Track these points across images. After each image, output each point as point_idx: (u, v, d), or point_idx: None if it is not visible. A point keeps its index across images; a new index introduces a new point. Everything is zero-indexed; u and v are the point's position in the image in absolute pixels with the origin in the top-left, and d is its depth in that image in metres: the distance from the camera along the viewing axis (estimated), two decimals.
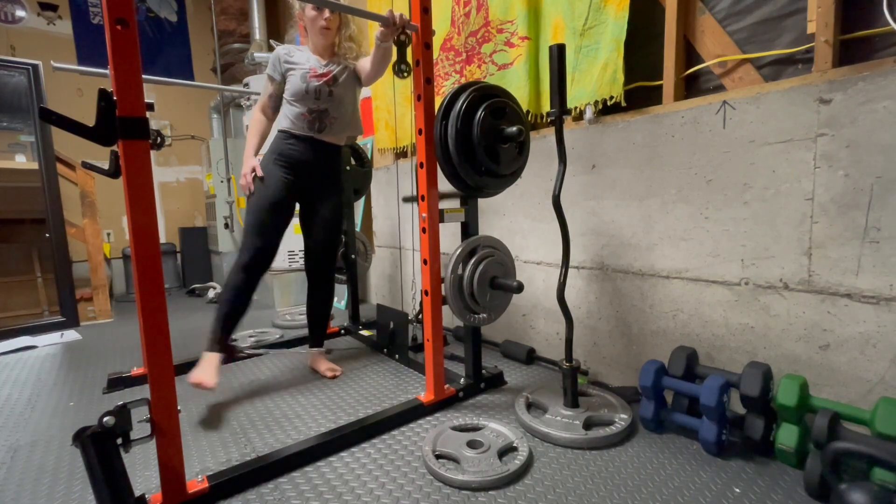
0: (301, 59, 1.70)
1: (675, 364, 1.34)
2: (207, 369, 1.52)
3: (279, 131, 1.74)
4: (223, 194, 3.73)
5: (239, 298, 1.66)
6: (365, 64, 1.68)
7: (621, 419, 1.34)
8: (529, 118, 1.83)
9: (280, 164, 1.70)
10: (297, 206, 1.86)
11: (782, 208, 1.21)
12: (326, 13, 1.64)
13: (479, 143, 1.36)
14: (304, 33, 1.75)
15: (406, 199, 1.94)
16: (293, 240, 3.29)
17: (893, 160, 1.04)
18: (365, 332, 2.35)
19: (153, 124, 2.11)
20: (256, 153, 1.76)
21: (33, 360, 2.24)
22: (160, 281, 0.98)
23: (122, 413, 0.94)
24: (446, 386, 1.56)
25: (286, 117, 1.72)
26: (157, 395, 0.99)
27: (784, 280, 1.22)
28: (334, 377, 1.83)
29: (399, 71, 1.45)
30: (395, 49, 1.45)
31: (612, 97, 1.53)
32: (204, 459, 1.27)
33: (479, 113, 1.35)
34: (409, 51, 1.45)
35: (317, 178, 1.76)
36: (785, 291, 1.22)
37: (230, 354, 1.64)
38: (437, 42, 2.23)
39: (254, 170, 1.69)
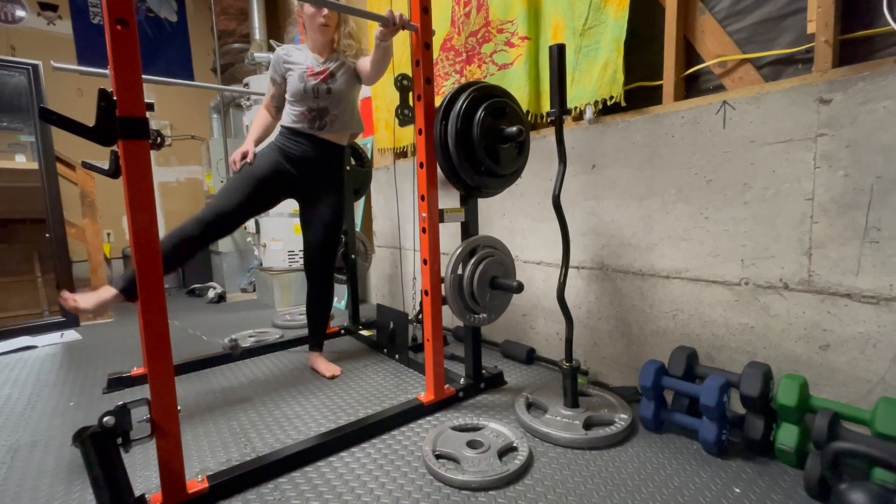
0: (299, 58, 1.71)
1: (675, 364, 1.34)
2: (93, 295, 1.39)
3: (282, 127, 1.77)
4: None
5: (177, 252, 1.52)
6: (365, 63, 1.68)
7: (621, 419, 1.34)
8: (529, 118, 1.83)
9: (280, 153, 1.72)
10: (298, 205, 1.87)
11: (782, 208, 1.21)
12: (325, 10, 1.64)
13: (479, 143, 1.36)
14: (304, 31, 1.76)
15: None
16: (293, 240, 3.30)
17: (893, 160, 1.04)
18: (365, 332, 2.35)
19: (153, 124, 2.11)
20: (256, 144, 1.78)
21: (33, 360, 2.24)
22: (160, 281, 0.98)
23: (122, 413, 0.94)
24: (446, 386, 1.56)
25: (288, 115, 1.74)
26: (157, 395, 0.99)
27: (784, 280, 1.22)
28: (334, 377, 1.83)
29: (403, 116, 1.46)
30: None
31: (612, 97, 1.53)
32: (204, 459, 1.27)
33: (479, 113, 1.35)
34: (410, 95, 1.45)
35: (317, 176, 1.77)
36: (785, 291, 1.22)
37: (129, 300, 1.43)
38: (437, 42, 2.23)
39: (245, 154, 1.71)
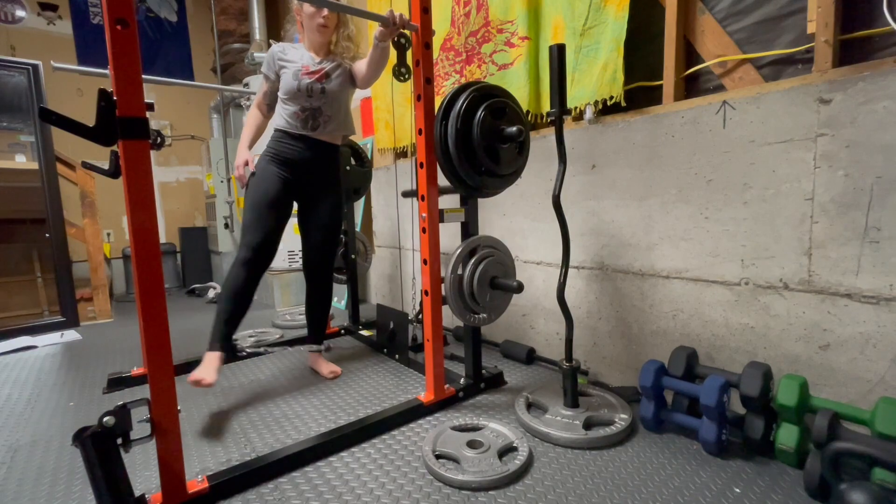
0: (295, 56, 1.69)
1: (675, 364, 1.34)
2: (207, 367, 1.52)
3: (275, 130, 1.74)
4: (223, 194, 3.73)
5: (239, 296, 1.64)
6: (361, 66, 1.68)
7: (621, 419, 1.34)
8: (529, 118, 1.83)
9: (276, 162, 1.71)
10: (296, 205, 1.86)
11: (782, 208, 1.21)
12: (325, 11, 1.63)
13: (479, 143, 1.36)
14: (302, 29, 1.75)
15: (405, 194, 1.94)
16: (293, 240, 3.30)
17: (893, 160, 1.04)
18: (365, 332, 2.35)
19: (153, 124, 2.11)
20: (250, 147, 1.78)
21: (33, 360, 2.24)
22: (160, 281, 0.98)
23: (122, 413, 0.94)
24: (446, 386, 1.56)
25: (281, 116, 1.71)
26: (157, 395, 0.99)
27: (784, 280, 1.22)
28: (334, 377, 1.83)
29: (399, 74, 1.45)
30: (394, 51, 1.45)
31: (612, 97, 1.53)
32: (204, 459, 1.27)
33: (479, 113, 1.35)
34: (408, 53, 1.45)
35: (314, 177, 1.76)
36: (785, 291, 1.22)
37: (231, 353, 1.64)
38: (437, 42, 2.23)
39: (247, 162, 1.72)
